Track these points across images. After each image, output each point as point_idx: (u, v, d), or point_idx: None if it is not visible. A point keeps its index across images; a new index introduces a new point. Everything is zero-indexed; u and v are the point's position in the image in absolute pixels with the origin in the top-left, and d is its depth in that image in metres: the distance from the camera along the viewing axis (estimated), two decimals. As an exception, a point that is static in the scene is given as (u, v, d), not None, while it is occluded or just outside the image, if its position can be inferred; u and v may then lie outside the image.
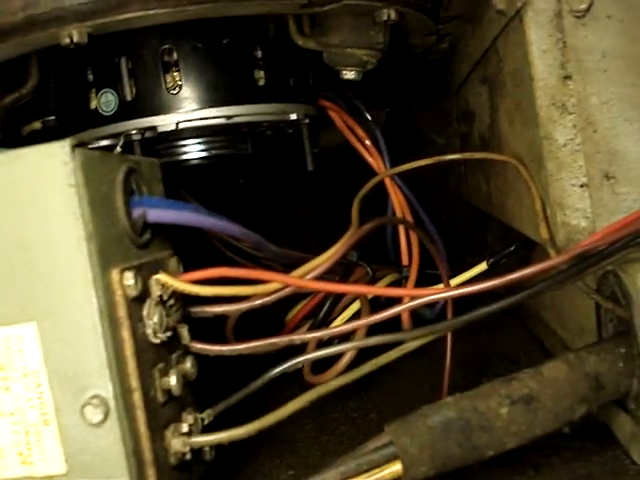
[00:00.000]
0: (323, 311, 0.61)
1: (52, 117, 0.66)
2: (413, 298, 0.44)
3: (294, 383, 0.59)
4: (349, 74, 0.60)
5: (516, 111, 0.57)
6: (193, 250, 0.61)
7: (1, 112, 0.61)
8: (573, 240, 0.50)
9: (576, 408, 0.44)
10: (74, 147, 0.36)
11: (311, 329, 0.61)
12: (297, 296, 0.67)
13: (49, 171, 0.36)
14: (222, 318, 0.59)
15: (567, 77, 0.50)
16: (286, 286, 0.43)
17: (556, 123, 0.50)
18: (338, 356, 0.57)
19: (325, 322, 0.62)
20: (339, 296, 0.63)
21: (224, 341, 0.44)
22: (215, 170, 0.72)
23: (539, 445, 0.48)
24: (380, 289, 0.58)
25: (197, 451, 0.43)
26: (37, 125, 0.69)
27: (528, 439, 0.43)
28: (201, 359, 0.45)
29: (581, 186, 0.50)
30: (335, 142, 0.81)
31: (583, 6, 0.49)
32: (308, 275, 0.44)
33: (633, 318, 0.45)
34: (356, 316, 0.62)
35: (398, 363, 0.69)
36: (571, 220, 0.50)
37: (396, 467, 0.41)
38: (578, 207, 0.50)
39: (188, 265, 0.45)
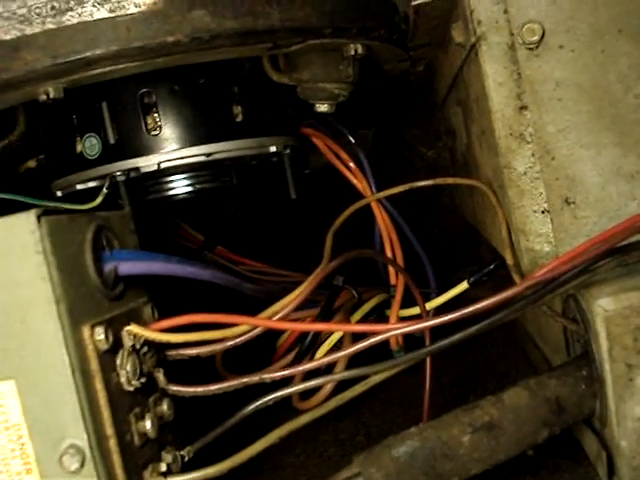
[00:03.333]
0: (308, 339, 0.63)
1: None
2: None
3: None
4: (322, 107, 0.63)
5: (482, 137, 0.58)
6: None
7: (-7, 157, 0.64)
8: (537, 265, 0.51)
9: (538, 432, 0.46)
10: (40, 216, 0.38)
11: (296, 357, 0.63)
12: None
13: (18, 240, 0.39)
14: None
15: (523, 107, 0.51)
16: (255, 327, 0.45)
17: (515, 152, 0.51)
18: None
19: (312, 347, 0.64)
20: (324, 321, 0.65)
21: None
22: (205, 201, 0.74)
23: (514, 464, 0.50)
24: (344, 326, 0.59)
25: (178, 488, 0.45)
26: (32, 164, 0.72)
27: (491, 464, 0.45)
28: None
29: (542, 212, 0.51)
30: (325, 162, 0.83)
31: (535, 38, 0.50)
32: (275, 316, 0.46)
33: (592, 342, 0.46)
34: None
35: (390, 382, 0.71)
36: (534, 245, 0.52)
37: (365, 496, 0.43)
38: (540, 232, 0.52)
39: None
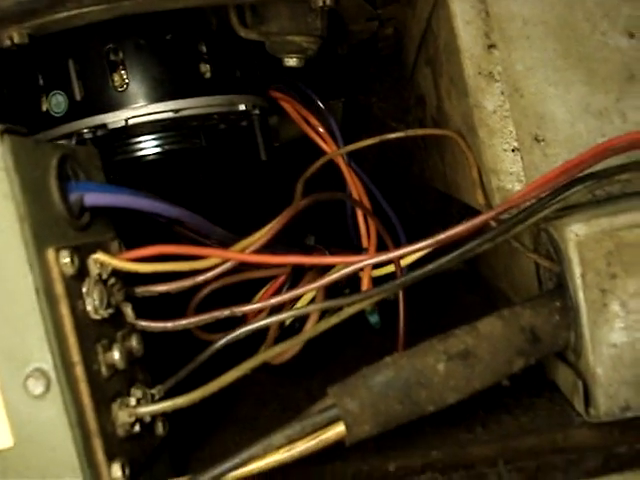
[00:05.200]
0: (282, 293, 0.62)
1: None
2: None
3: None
4: (291, 61, 0.62)
5: (451, 85, 0.58)
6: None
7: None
8: (509, 203, 0.51)
9: (513, 361, 0.45)
10: (3, 133, 0.37)
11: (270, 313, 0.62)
12: (259, 283, 0.68)
13: (-21, 156, 0.37)
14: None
15: (492, 46, 0.51)
16: (226, 261, 0.45)
17: (484, 91, 0.52)
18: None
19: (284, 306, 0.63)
20: (296, 281, 0.64)
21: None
22: (174, 166, 0.73)
23: (488, 403, 0.50)
24: (319, 258, 0.59)
25: (149, 425, 0.44)
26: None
27: (467, 393, 0.44)
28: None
29: (512, 150, 0.52)
30: (294, 134, 0.82)
31: (502, -24, 0.51)
32: (247, 249, 0.46)
33: (565, 271, 0.46)
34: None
35: (363, 339, 0.71)
36: (505, 184, 0.52)
37: (339, 428, 0.42)
38: (511, 171, 0.52)
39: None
